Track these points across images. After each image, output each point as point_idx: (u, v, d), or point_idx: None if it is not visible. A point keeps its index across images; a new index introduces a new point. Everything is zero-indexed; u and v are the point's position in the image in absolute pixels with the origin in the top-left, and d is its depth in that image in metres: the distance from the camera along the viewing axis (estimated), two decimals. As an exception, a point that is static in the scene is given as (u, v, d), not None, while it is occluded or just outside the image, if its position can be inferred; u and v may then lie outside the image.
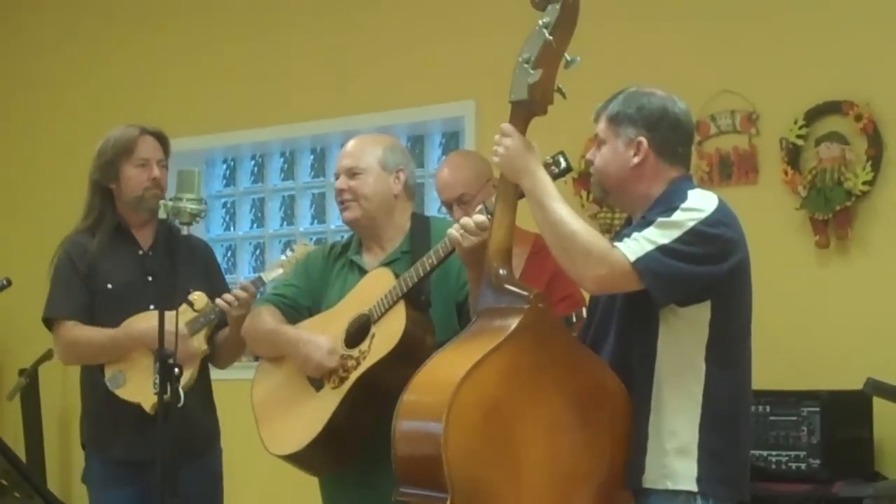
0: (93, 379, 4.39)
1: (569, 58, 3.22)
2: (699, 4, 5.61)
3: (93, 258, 4.38)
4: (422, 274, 3.74)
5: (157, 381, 3.75)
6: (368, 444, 3.77)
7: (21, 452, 6.70)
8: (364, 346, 3.82)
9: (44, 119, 7.53)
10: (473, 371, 3.04)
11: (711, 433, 3.15)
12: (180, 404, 3.79)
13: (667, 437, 3.15)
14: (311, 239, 6.69)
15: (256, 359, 4.28)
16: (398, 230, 4.03)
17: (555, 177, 3.31)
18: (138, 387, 4.23)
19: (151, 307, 4.26)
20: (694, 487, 3.14)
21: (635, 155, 3.27)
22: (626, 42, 5.67)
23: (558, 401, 3.13)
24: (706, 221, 3.15)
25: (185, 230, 3.93)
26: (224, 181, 7.28)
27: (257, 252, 7.17)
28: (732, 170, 5.44)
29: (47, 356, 6.65)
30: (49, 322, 4.43)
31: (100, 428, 4.40)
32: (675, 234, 3.12)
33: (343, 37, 6.57)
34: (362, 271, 3.99)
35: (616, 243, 3.14)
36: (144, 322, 4.20)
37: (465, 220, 3.44)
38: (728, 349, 3.20)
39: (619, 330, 3.24)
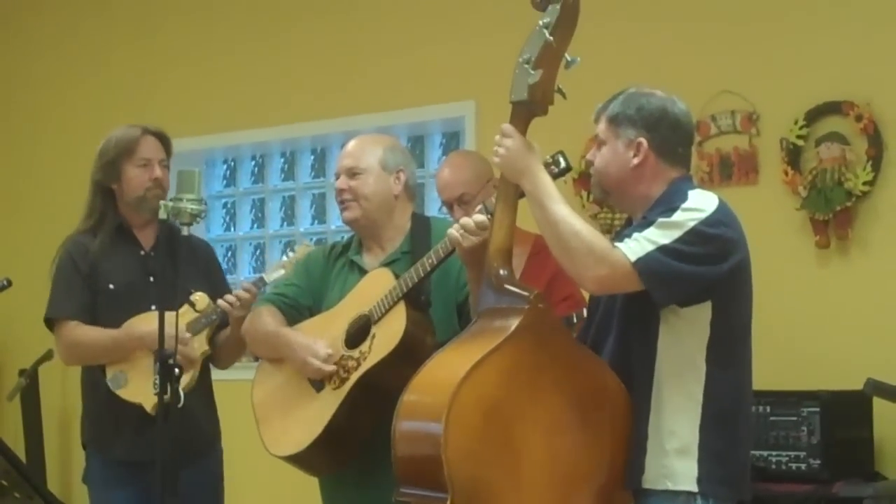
0: (94, 379, 4.38)
1: (569, 58, 3.22)
2: (699, 4, 5.61)
3: (94, 258, 4.38)
4: (422, 274, 3.74)
5: (157, 382, 3.75)
6: (369, 445, 3.77)
7: (21, 453, 6.69)
8: (364, 346, 3.82)
9: (44, 119, 7.52)
10: (473, 371, 3.04)
11: (712, 433, 3.15)
12: (180, 405, 3.79)
13: (667, 438, 3.15)
14: (311, 239, 6.69)
15: (257, 359, 4.28)
16: (398, 230, 4.03)
17: (554, 176, 3.31)
18: (139, 387, 4.23)
19: (153, 308, 4.25)
20: (694, 488, 3.13)
21: (635, 156, 3.27)
22: (626, 42, 5.67)
23: (558, 401, 3.13)
24: (706, 222, 3.15)
25: (185, 230, 3.93)
26: (224, 181, 7.27)
27: (258, 252, 7.16)
28: (733, 170, 5.44)
29: (47, 356, 6.65)
30: (51, 322, 4.43)
31: (101, 428, 4.40)
32: (676, 234, 3.12)
33: (343, 37, 6.57)
34: (362, 271, 3.99)
35: (617, 244, 3.14)
36: (146, 323, 4.19)
37: (465, 220, 3.44)
38: (728, 349, 3.19)
39: (620, 330, 3.24)
